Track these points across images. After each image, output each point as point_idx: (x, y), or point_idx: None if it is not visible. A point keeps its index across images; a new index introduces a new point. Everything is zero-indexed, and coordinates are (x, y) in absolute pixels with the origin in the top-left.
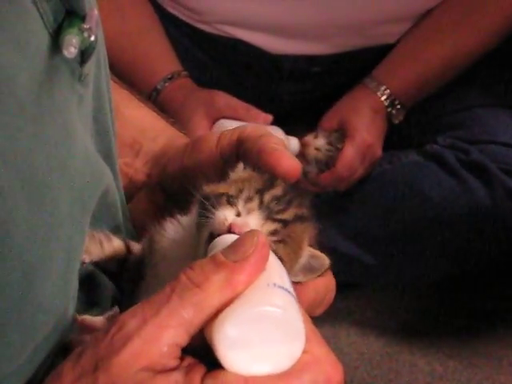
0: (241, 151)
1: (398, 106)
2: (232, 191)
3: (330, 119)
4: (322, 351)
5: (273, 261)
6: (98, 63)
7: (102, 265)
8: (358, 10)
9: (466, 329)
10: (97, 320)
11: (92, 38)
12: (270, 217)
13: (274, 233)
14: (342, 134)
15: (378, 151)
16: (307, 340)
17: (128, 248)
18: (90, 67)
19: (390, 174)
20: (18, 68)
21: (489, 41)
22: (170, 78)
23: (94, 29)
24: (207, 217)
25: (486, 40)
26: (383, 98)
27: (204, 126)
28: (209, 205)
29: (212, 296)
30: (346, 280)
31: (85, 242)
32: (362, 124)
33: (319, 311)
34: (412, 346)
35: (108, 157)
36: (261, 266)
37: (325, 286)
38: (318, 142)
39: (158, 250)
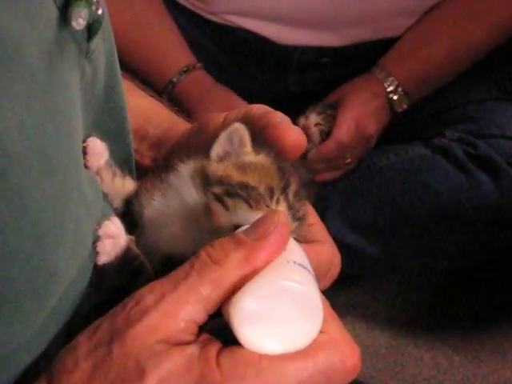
0: (248, 126)
1: (401, 93)
2: (262, 189)
3: (330, 98)
4: (339, 332)
5: (292, 241)
6: (110, 40)
7: (111, 199)
8: (368, 2)
9: (472, 323)
10: None
11: (99, 12)
12: (295, 216)
13: (292, 231)
14: (330, 104)
15: (369, 128)
16: (324, 321)
17: (137, 194)
18: (97, 43)
19: (397, 166)
20: (28, 38)
21: (496, 35)
22: (185, 71)
23: (102, 2)
24: (226, 205)
25: (493, 34)
26: (386, 84)
27: None
28: (236, 195)
29: (230, 273)
30: (351, 273)
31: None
32: (356, 100)
33: (323, 285)
34: (417, 339)
35: (119, 135)
36: (281, 245)
37: (328, 257)
38: (312, 119)
39: (145, 215)
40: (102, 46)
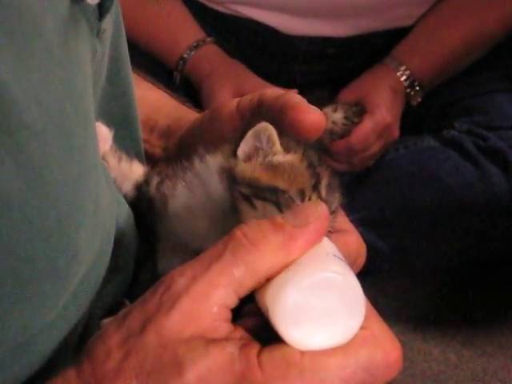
0: (262, 110)
1: (417, 88)
2: (293, 192)
3: (349, 92)
4: (380, 328)
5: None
6: (117, 23)
7: (119, 184)
8: None
9: (481, 317)
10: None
11: None
12: (329, 210)
13: None
14: (360, 109)
15: (396, 131)
16: (365, 317)
17: (147, 179)
18: (107, 24)
19: (406, 159)
20: (45, 11)
21: (509, 24)
22: (195, 46)
23: None
24: (254, 205)
25: (507, 23)
26: (403, 78)
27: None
28: (265, 199)
29: (266, 256)
30: None
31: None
32: (383, 102)
33: None
34: (426, 334)
35: (125, 121)
36: (319, 236)
37: (355, 247)
38: (336, 116)
39: (169, 206)
40: (111, 27)
